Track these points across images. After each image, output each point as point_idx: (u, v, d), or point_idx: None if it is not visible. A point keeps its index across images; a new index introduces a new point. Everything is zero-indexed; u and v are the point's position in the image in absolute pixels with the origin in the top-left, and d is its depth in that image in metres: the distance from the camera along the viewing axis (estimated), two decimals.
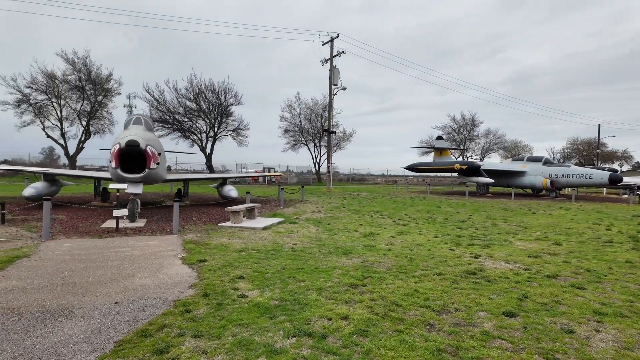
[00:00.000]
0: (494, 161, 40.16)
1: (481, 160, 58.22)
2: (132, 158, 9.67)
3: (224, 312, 3.95)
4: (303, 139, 47.51)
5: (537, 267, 6.34)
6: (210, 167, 40.14)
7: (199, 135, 40.88)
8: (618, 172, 40.39)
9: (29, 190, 11.94)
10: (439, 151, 37.34)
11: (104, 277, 5.06)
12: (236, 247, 7.34)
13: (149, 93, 37.37)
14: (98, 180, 14.98)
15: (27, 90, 32.31)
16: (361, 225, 10.85)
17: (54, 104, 34.08)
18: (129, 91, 38.10)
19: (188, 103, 39.82)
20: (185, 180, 15.58)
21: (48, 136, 34.78)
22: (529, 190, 30.59)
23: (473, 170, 28.46)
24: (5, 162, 37.02)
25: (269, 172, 42.16)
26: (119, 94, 37.32)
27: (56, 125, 34.27)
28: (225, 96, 39.51)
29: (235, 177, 19.48)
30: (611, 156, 71.49)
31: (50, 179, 12.99)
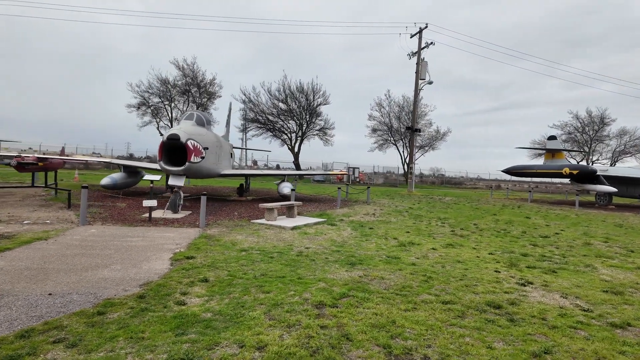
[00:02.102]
0: (625, 167, 32.88)
1: (612, 165, 48.48)
2: (176, 151, 10.06)
3: (137, 320, 3.51)
4: (392, 139, 45.72)
5: (606, 309, 4.52)
6: (297, 166, 41.30)
7: (289, 135, 42.36)
8: None
9: (106, 180, 13.51)
10: (551, 153, 31.95)
11: (79, 265, 5.09)
12: (243, 246, 6.94)
13: (244, 95, 40.08)
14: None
15: (146, 95, 37.41)
16: (408, 232, 9.53)
17: (166, 106, 38.85)
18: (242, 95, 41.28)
19: (281, 105, 41.61)
20: (246, 176, 15.98)
21: (161, 135, 39.90)
22: None
23: (586, 175, 23.57)
24: (127, 157, 43.58)
25: (354, 172, 41.56)
26: (219, 96, 40.78)
27: (167, 125, 38.99)
28: (313, 96, 40.16)
29: (296, 175, 19.34)
30: None
31: (130, 170, 14.53)
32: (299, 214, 11.85)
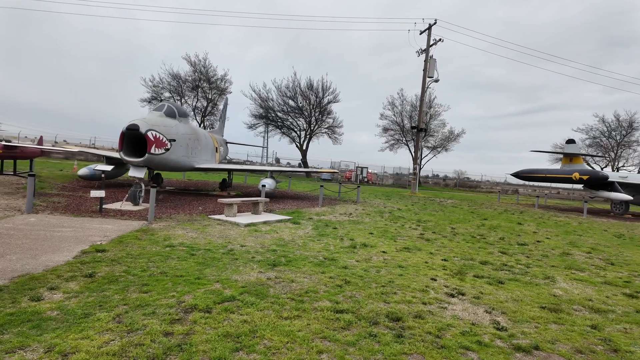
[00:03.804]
0: None
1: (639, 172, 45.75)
2: (139, 142, 9.88)
3: None
4: (404, 139, 44.68)
5: (526, 328, 3.95)
6: (304, 163, 41.00)
7: (298, 133, 42.11)
8: None
9: (84, 171, 13.55)
10: (569, 157, 30.31)
11: None
12: (174, 242, 6.64)
13: (254, 91, 40.09)
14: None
15: (157, 89, 37.94)
16: (371, 234, 9.01)
17: (177, 101, 39.30)
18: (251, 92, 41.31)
19: (290, 102, 41.42)
20: (228, 171, 15.74)
21: None
22: None
23: (598, 181, 22.13)
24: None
25: (362, 171, 40.88)
26: (230, 92, 40.94)
27: None
28: (323, 94, 39.73)
29: (280, 171, 18.95)
30: None
31: (114, 162, 14.54)
32: (270, 210, 11.51)
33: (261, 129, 41.68)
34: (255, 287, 4.56)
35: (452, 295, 4.93)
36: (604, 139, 50.34)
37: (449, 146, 45.21)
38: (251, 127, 41.41)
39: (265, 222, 9.15)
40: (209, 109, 39.97)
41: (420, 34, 28.26)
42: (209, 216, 9.49)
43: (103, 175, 11.44)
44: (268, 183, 13.59)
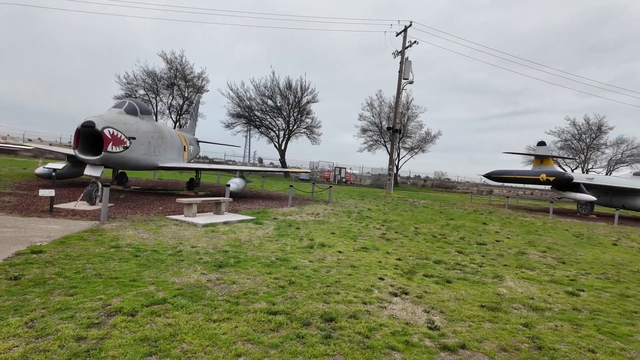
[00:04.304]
0: (612, 176, 32.14)
1: (608, 174, 47.47)
2: (96, 140, 9.56)
3: None
4: (382, 140, 45.04)
5: (460, 327, 3.98)
6: (283, 163, 40.81)
7: (277, 133, 41.88)
8: None
9: (40, 170, 13.06)
10: (539, 159, 31.19)
11: None
12: (122, 242, 6.44)
13: (232, 90, 39.65)
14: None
15: (132, 86, 37.04)
16: (333, 234, 8.98)
17: (152, 99, 38.48)
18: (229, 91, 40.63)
19: (269, 101, 41.12)
20: (196, 170, 15.46)
21: None
22: None
23: (564, 182, 22.84)
24: None
25: (340, 171, 40.98)
26: (207, 90, 40.37)
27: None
28: (301, 94, 39.63)
29: (251, 171, 18.79)
30: None
31: (76, 160, 13.99)
32: (235, 210, 11.35)
33: (239, 128, 41.26)
34: (191, 290, 4.44)
35: (396, 295, 4.93)
36: (575, 141, 52.09)
37: (426, 147, 45.84)
38: (228, 126, 40.96)
39: (225, 223, 9.00)
40: (185, 107, 39.29)
41: (397, 35, 28.54)
42: (167, 216, 9.26)
43: (54, 174, 11.02)
44: (236, 182, 13.40)
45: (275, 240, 7.71)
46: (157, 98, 38.44)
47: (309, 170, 28.94)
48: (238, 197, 15.14)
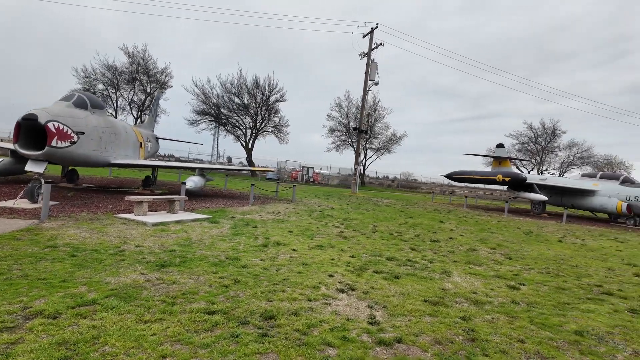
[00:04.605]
0: (563, 177, 34.05)
1: (560, 176, 50.34)
2: (39, 134, 8.98)
3: None
4: (349, 140, 45.45)
5: (400, 322, 4.02)
6: (250, 162, 40.27)
7: (244, 131, 41.25)
8: None
9: None
10: (498, 161, 32.56)
11: None
12: (60, 242, 6.07)
13: (197, 86, 38.65)
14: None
15: (88, 80, 35.25)
16: (290, 232, 8.91)
17: (112, 94, 36.83)
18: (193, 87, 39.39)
19: (236, 99, 40.42)
20: (153, 167, 14.93)
21: None
22: (606, 215, 24.98)
23: (518, 183, 23.97)
24: None
25: (308, 171, 40.97)
26: (171, 86, 39.11)
27: (111, 114, 36.96)
28: (269, 92, 39.26)
29: (210, 169, 18.44)
30: None
31: (18, 155, 13.10)
32: (192, 209, 11.03)
33: (204, 125, 40.27)
34: (126, 290, 4.23)
35: (342, 291, 4.93)
36: (531, 144, 54.87)
37: (392, 148, 46.72)
38: (193, 123, 39.89)
39: (178, 222, 8.71)
40: (147, 103, 37.89)
41: (363, 37, 28.89)
42: (116, 215, 8.85)
43: None
44: (194, 181, 13.02)
45: (229, 239, 7.53)
46: (118, 93, 36.83)
47: (273, 169, 28.60)
48: (197, 195, 14.74)
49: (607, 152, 65.49)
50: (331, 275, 5.60)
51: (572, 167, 53.98)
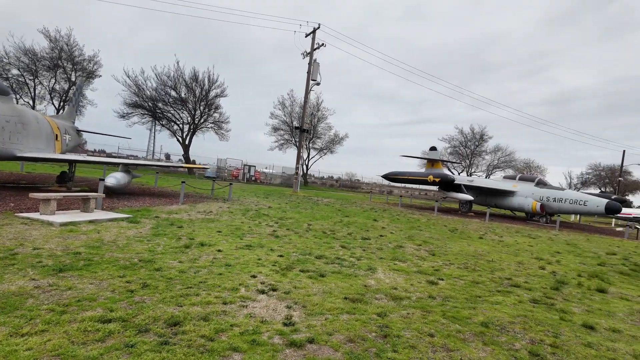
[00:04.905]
0: (488, 179, 36.89)
1: (487, 177, 54.59)
2: None
3: None
4: (293, 139, 45.33)
5: (315, 322, 3.93)
6: (187, 159, 38.48)
7: (181, 126, 39.32)
8: (626, 201, 36.55)
9: None
10: (431, 163, 34.44)
11: None
12: None
13: (128, 77, 36.09)
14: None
15: (2, 65, 31.36)
16: (219, 232, 8.53)
17: (29, 81, 33.11)
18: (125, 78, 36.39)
19: (172, 92, 38.37)
20: (70, 162, 13.56)
21: None
22: (523, 214, 27.46)
23: (447, 183, 25.57)
24: None
25: (249, 169, 40.16)
26: (99, 76, 36.11)
27: (28, 103, 33.22)
28: (209, 87, 37.80)
29: (137, 165, 17.40)
30: (635, 186, 66.35)
31: None
32: (111, 208, 10.15)
33: (136, 119, 37.69)
34: (7, 298, 3.68)
35: (263, 292, 4.75)
36: (462, 148, 58.83)
37: (334, 148, 47.42)
38: (123, 116, 37.13)
39: (91, 221, 7.94)
40: (71, 92, 34.60)
41: (306, 36, 28.89)
42: (17, 214, 7.84)
43: None
44: (116, 177, 12.03)
45: (147, 241, 6.99)
46: (36, 80, 33.13)
47: (208, 166, 27.44)
48: (121, 193, 13.66)
49: (527, 156, 72.69)
50: (254, 276, 5.40)
51: (497, 169, 58.74)
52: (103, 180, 10.29)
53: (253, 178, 40.27)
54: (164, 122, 39.10)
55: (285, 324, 3.80)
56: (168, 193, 17.03)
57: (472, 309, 4.96)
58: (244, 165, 40.44)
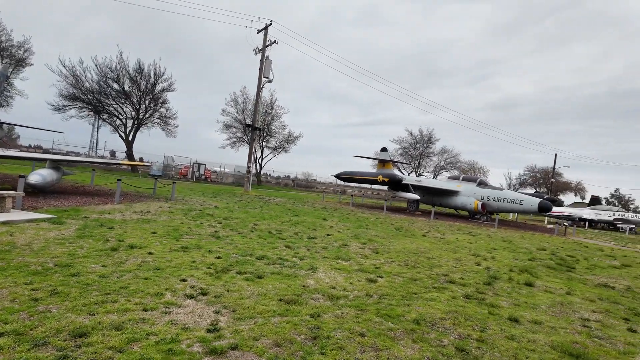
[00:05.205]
0: (431, 179, 38.47)
1: (434, 178, 57.05)
2: None
3: None
4: (246, 137, 44.39)
5: (243, 326, 3.72)
6: (130, 156, 36.31)
7: (124, 121, 37.02)
8: (556, 201, 39.85)
9: None
10: (382, 163, 35.28)
11: None
12: None
13: (64, 67, 33.34)
14: None
15: None
16: (154, 233, 8.02)
17: None
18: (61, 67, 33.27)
19: (115, 85, 36.00)
20: None
21: None
22: (466, 212, 28.89)
23: (396, 183, 26.34)
24: None
25: (199, 167, 38.75)
26: (31, 64, 33.00)
27: None
28: (155, 80, 35.94)
29: (70, 161, 16.17)
30: (565, 187, 72.54)
31: None
32: (34, 208, 9.20)
33: (73, 112, 34.88)
34: None
35: (191, 297, 4.46)
36: (411, 149, 61.03)
37: (288, 147, 47.14)
38: (59, 109, 34.21)
39: (5, 223, 7.12)
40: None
41: (258, 32, 28.36)
42: None
43: None
44: (41, 175, 10.96)
45: (69, 243, 6.38)
46: None
47: (149, 164, 25.94)
48: (48, 192, 12.49)
49: (471, 158, 76.97)
50: (184, 280, 5.07)
51: (443, 170, 61.63)
52: (24, 177, 9.27)
53: (203, 177, 38.88)
54: (105, 117, 36.59)
55: (209, 330, 3.56)
56: (104, 192, 15.86)
57: (407, 305, 5.01)
58: (194, 163, 38.90)
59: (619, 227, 35.15)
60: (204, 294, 4.59)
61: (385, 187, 38.57)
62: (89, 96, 34.74)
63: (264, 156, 46.56)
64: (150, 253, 6.32)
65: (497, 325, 4.61)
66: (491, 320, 4.79)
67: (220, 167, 50.61)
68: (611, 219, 36.01)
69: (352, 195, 30.69)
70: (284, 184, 55.34)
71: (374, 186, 56.13)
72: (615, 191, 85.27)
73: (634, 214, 36.76)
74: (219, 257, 6.55)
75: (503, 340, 4.13)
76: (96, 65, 34.45)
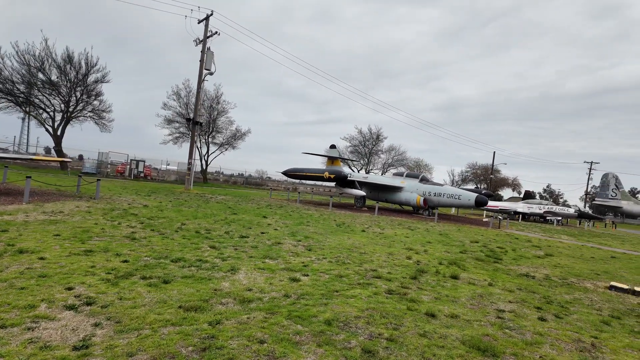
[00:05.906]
0: (378, 176, 39.28)
1: (382, 175, 58.45)
2: None
3: None
4: (190, 133, 42.39)
5: (129, 339, 3.20)
6: (59, 152, 33.21)
7: (51, 114, 33.75)
8: (491, 196, 42.41)
9: None
10: (331, 160, 35.34)
11: None
12: None
13: None
14: None
15: None
16: (57, 236, 7.12)
17: None
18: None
19: (40, 75, 32.66)
20: None
21: None
22: (410, 207, 29.70)
23: (342, 179, 26.49)
24: None
25: (138, 164, 36.40)
26: None
27: None
28: (87, 70, 33.13)
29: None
30: (503, 182, 77.63)
31: None
32: None
33: None
34: None
35: (72, 308, 3.85)
36: (361, 147, 62.04)
37: (236, 144, 45.80)
38: None
39: None
40: None
41: (199, 23, 27.04)
42: None
43: None
44: None
45: None
46: None
47: (69, 160, 23.71)
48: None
49: (418, 156, 79.91)
50: (70, 288, 4.42)
51: (391, 167, 63.32)
52: None
53: (142, 174, 36.57)
54: (29, 109, 33.12)
55: (75, 348, 3.02)
56: (15, 191, 14.17)
57: (324, 305, 4.75)
58: (131, 160, 36.42)
59: (548, 219, 38.17)
60: (88, 304, 4.00)
61: (333, 184, 38.86)
62: (7, 86, 31.20)
63: (209, 153, 44.84)
64: (41, 258, 5.52)
65: (412, 321, 4.48)
66: (408, 316, 4.66)
67: (162, 164, 48.11)
68: (542, 211, 38.97)
69: (298, 192, 30.38)
70: (233, 182, 53.82)
71: (325, 183, 56.44)
72: (547, 186, 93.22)
73: (561, 207, 40.15)
74: (125, 261, 5.89)
75: (414, 337, 3.99)
76: (17, 52, 31.03)
